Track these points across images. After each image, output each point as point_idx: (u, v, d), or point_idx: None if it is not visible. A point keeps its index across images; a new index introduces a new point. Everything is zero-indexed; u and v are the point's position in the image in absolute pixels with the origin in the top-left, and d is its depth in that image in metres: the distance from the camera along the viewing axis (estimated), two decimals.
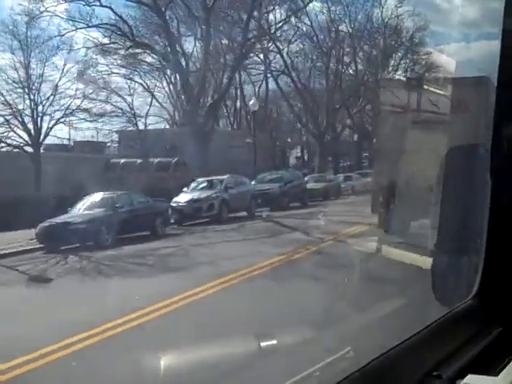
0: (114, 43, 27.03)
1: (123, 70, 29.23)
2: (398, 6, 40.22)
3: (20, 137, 25.29)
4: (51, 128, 25.75)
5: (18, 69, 25.77)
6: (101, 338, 7.16)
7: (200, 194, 21.59)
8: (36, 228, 15.58)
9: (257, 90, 42.03)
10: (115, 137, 30.70)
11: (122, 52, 27.84)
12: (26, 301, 9.40)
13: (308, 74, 40.41)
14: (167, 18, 25.08)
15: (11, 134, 25.08)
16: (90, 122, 27.98)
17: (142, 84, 31.48)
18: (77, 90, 26.60)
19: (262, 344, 2.47)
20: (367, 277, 9.66)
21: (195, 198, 21.06)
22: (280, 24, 31.45)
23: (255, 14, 27.13)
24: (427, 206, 5.48)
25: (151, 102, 29.54)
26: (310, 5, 33.88)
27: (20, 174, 23.55)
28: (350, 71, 44.00)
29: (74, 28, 26.15)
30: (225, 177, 22.82)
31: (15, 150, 25.40)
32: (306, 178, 31.33)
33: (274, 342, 2.52)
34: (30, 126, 25.01)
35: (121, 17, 25.61)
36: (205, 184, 22.94)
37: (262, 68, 37.61)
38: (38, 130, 25.10)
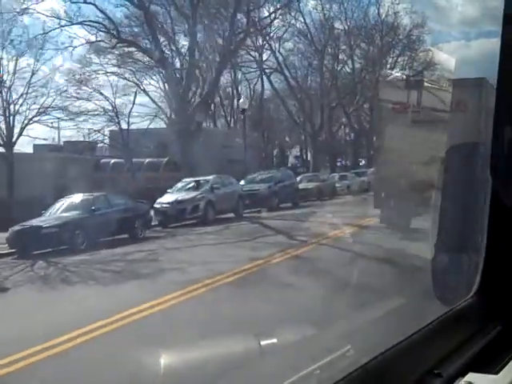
0: (99, 41, 26.42)
1: (115, 69, 28.68)
2: (394, 2, 39.51)
3: None
4: (24, 128, 24.78)
5: None
6: (40, 358, 6.54)
7: (184, 194, 20.94)
8: (7, 232, 14.96)
9: (252, 88, 41.73)
10: (98, 136, 29.78)
11: (116, 51, 27.35)
12: None
13: (302, 71, 39.76)
14: (151, 13, 24.40)
15: None
16: (67, 120, 26.79)
17: (136, 83, 31.28)
18: (51, 88, 25.61)
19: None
20: (343, 283, 9.14)
21: (179, 199, 20.41)
22: (270, 19, 30.79)
23: (244, 9, 26.39)
24: (428, 202, 5.52)
25: (134, 101, 28.83)
26: (304, 1, 33.16)
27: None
28: (347, 69, 43.47)
29: (58, 26, 25.43)
30: (211, 177, 22.17)
31: None
32: (298, 178, 30.74)
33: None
34: (2, 125, 24.13)
35: (105, 13, 25.06)
36: (190, 184, 22.26)
37: (254, 66, 36.93)
38: (10, 128, 24.30)
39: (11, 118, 24.50)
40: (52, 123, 27.29)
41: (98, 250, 14.25)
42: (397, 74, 39.59)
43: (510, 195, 1.94)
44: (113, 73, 29.54)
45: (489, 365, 1.72)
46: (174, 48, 26.73)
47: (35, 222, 15.39)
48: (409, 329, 1.72)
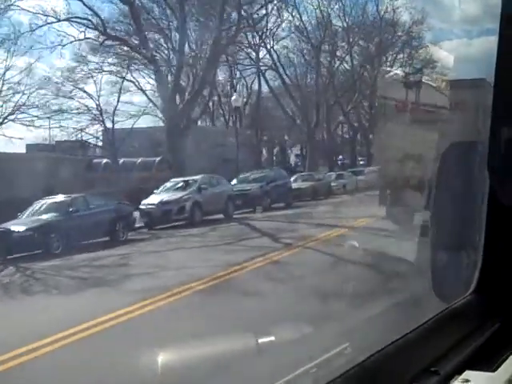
0: (87, 38, 25.84)
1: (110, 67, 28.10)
2: None
3: None
4: None
5: None
6: None
7: (170, 195, 20.28)
8: None
9: (249, 86, 41.15)
10: (82, 135, 29.14)
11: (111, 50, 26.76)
12: None
13: (298, 69, 39.11)
14: (137, 8, 23.77)
15: None
16: (44, 119, 26.10)
17: (133, 82, 30.77)
18: (26, 85, 24.96)
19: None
20: (315, 292, 8.56)
21: (164, 200, 19.77)
22: (263, 14, 30.11)
23: (234, 3, 25.71)
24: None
25: (118, 99, 28.22)
26: None
27: None
28: (346, 66, 42.85)
29: (45, 23, 24.84)
30: (198, 177, 21.50)
31: None
32: (293, 177, 30.09)
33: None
34: None
35: (92, 10, 24.45)
36: (178, 184, 21.60)
37: (250, 63, 36.29)
38: None
39: None
40: (30, 121, 26.04)
41: (73, 255, 13.65)
42: (396, 71, 39.03)
43: (507, 193, 1.91)
44: (109, 71, 29.35)
45: (486, 362, 1.71)
46: (163, 44, 26.23)
47: (8, 225, 14.77)
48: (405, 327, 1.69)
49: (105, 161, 31.05)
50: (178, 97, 26.74)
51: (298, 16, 36.39)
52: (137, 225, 19.58)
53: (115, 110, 26.90)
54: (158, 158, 28.78)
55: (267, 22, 35.31)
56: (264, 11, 30.48)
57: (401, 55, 43.96)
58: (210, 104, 40.31)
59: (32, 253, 13.99)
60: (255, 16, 29.90)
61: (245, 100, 42.00)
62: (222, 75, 39.77)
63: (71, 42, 26.12)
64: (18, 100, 24.78)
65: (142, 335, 6.82)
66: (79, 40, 25.97)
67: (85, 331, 7.27)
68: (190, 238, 16.03)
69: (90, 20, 24.49)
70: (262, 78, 38.47)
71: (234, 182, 25.22)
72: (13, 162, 24.91)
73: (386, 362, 1.51)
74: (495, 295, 1.99)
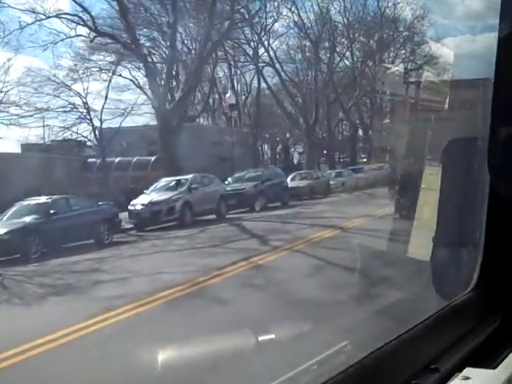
0: (79, 36, 25.33)
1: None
2: None
3: None
4: None
5: None
6: None
7: (160, 195, 19.67)
8: None
9: (249, 83, 40.59)
10: (69, 134, 28.57)
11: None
12: None
13: (295, 65, 38.49)
14: (124, 3, 23.15)
15: None
16: (26, 117, 25.50)
17: (132, 80, 30.30)
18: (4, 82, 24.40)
19: None
20: (292, 300, 7.99)
21: (153, 201, 19.16)
22: (259, 8, 29.48)
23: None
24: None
25: (106, 96, 27.66)
26: None
27: None
28: (347, 62, 42.25)
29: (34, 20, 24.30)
30: (189, 176, 20.88)
31: None
32: (291, 175, 29.50)
33: None
34: None
35: (81, 5, 23.87)
36: (168, 184, 20.99)
37: (248, 60, 35.68)
38: None
39: None
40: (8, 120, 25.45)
41: (50, 260, 13.12)
42: (396, 68, 38.42)
43: (507, 190, 1.90)
44: (107, 70, 28.87)
45: (487, 359, 1.71)
46: (155, 40, 25.64)
47: None
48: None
49: (100, 160, 30.67)
50: (175, 94, 26.30)
51: (296, 11, 35.85)
52: (127, 226, 19.10)
53: (103, 107, 26.20)
54: (153, 157, 28.31)
55: (266, 19, 34.85)
56: (258, 5, 29.79)
57: (402, 51, 43.52)
58: (211, 102, 39.95)
59: (9, 257, 13.40)
60: (251, 11, 29.19)
61: (244, 97, 41.57)
62: (221, 73, 39.38)
63: (62, 40, 25.61)
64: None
65: (90, 355, 6.24)
66: (71, 37, 25.43)
67: (32, 350, 6.67)
68: (176, 241, 15.42)
69: (80, 17, 23.95)
70: (261, 75, 37.94)
71: (230, 180, 24.66)
72: (3, 162, 24.49)
73: (386, 359, 1.50)
74: (495, 292, 1.99)
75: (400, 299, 5.44)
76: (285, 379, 1.67)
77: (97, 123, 28.11)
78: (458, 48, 40.33)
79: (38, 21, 24.27)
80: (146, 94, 28.72)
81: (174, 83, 27.23)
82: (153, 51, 27.49)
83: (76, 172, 28.53)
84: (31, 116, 25.54)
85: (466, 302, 1.96)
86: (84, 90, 26.82)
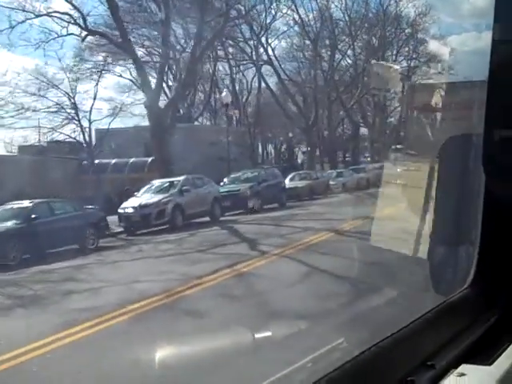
0: (70, 34, 24.74)
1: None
2: None
3: None
4: None
5: None
6: None
7: (150, 198, 19.07)
8: None
9: (250, 83, 40.07)
10: (57, 135, 28.05)
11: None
12: None
13: (294, 63, 37.87)
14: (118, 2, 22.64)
15: None
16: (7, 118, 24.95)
17: (132, 80, 29.89)
18: None
19: None
20: (269, 313, 7.40)
21: (143, 204, 18.57)
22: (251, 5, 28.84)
23: None
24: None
25: (95, 96, 27.13)
26: None
27: None
28: (348, 60, 41.63)
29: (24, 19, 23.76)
30: (181, 178, 20.27)
31: None
32: (290, 176, 28.88)
33: None
34: None
35: (72, 3, 23.31)
36: (160, 186, 20.39)
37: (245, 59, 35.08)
38: None
39: None
40: None
41: (29, 267, 12.56)
42: (396, 66, 37.72)
43: (502, 188, 1.94)
44: (107, 70, 28.41)
45: (482, 356, 1.71)
46: (147, 39, 25.10)
47: None
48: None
49: (97, 162, 30.19)
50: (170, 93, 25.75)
51: (295, 9, 35.24)
52: (117, 230, 18.55)
53: (92, 107, 25.65)
54: (150, 159, 27.77)
55: (266, 17, 34.30)
56: (253, 1, 29.15)
57: (405, 49, 42.93)
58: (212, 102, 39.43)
59: None
60: (246, 7, 28.58)
61: (245, 97, 41.04)
62: (223, 72, 38.86)
63: (54, 39, 25.06)
64: None
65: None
66: (62, 36, 24.88)
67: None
68: (163, 246, 14.82)
69: (70, 15, 23.40)
70: (260, 73, 37.35)
71: (225, 181, 24.06)
72: None
73: (382, 356, 1.50)
74: (491, 289, 2.01)
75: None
76: (280, 376, 1.62)
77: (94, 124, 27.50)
78: (462, 46, 39.70)
79: (29, 19, 23.63)
80: (144, 92, 28.23)
81: (170, 83, 26.62)
82: (144, 49, 26.94)
83: (71, 174, 28.06)
84: (12, 117, 24.61)
85: (463, 299, 1.97)
86: (72, 89, 26.17)
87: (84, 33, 24.23)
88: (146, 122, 26.69)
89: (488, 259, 1.99)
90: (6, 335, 7.40)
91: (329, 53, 39.12)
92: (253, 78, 39.31)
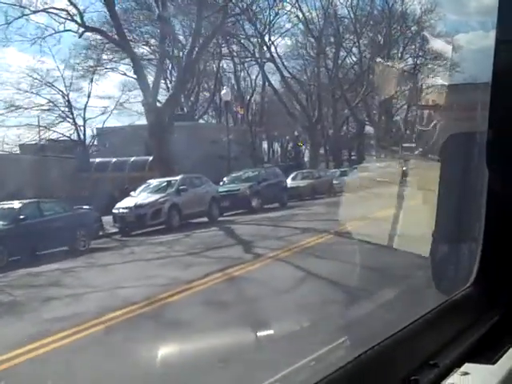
0: (67, 31, 24.36)
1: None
2: None
3: None
4: None
5: None
6: None
7: (146, 198, 18.59)
8: None
9: (254, 81, 39.68)
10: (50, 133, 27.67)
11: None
12: None
13: (297, 61, 37.37)
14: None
15: None
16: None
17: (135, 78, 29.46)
18: None
19: None
20: (261, 322, 6.92)
21: (138, 204, 18.09)
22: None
23: None
24: None
25: (89, 94, 26.75)
26: None
27: None
28: (353, 58, 41.14)
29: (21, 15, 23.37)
30: (178, 177, 19.78)
31: None
32: (292, 175, 28.37)
33: None
34: None
35: (70, 1, 22.87)
36: (157, 186, 19.92)
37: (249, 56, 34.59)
38: None
39: None
40: None
41: (14, 270, 12.13)
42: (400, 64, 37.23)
43: (506, 185, 1.91)
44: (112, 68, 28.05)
45: (486, 355, 1.70)
46: (145, 34, 24.67)
47: None
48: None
49: (97, 160, 29.87)
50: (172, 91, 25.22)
51: (297, 6, 34.75)
52: (112, 230, 18.12)
53: (86, 105, 25.24)
54: (151, 157, 27.37)
55: (269, 15, 33.85)
56: None
57: (412, 46, 42.41)
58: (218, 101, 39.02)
59: None
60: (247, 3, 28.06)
61: (249, 95, 40.64)
62: (228, 71, 38.48)
63: (51, 35, 24.68)
64: None
65: None
66: (59, 32, 24.50)
67: None
68: (156, 248, 14.34)
69: (67, 11, 22.98)
70: (266, 72, 36.91)
71: (224, 181, 23.58)
72: None
73: (385, 355, 1.48)
74: (494, 287, 1.98)
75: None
76: (282, 376, 1.62)
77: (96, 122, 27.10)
78: (469, 44, 39.07)
79: (26, 15, 23.22)
80: (143, 91, 27.75)
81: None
82: (148, 47, 26.53)
83: (70, 173, 27.72)
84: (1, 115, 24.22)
85: (465, 298, 1.96)
86: (66, 87, 25.74)
87: (81, 29, 23.78)
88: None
89: (491, 257, 1.99)
90: None
91: (333, 50, 38.62)
92: (257, 76, 38.95)
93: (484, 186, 1.98)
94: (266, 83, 38.49)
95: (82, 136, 25.91)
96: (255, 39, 34.32)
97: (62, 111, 25.30)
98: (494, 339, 1.80)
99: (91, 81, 26.68)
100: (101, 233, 16.91)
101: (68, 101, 25.38)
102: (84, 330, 7.34)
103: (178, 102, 25.10)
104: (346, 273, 9.40)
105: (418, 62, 42.37)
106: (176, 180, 19.86)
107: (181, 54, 26.66)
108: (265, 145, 43.21)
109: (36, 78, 25.68)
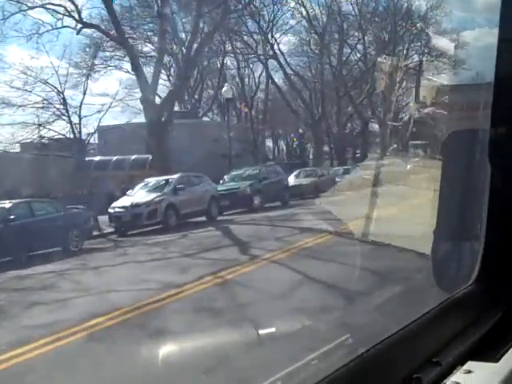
0: (65, 27, 23.98)
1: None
2: None
3: None
4: None
5: None
6: None
7: (142, 197, 18.18)
8: None
9: (258, 78, 39.30)
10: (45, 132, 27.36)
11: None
12: None
13: (300, 58, 36.93)
14: None
15: None
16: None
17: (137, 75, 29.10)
18: None
19: None
20: (250, 333, 6.45)
21: (134, 203, 17.68)
22: None
23: None
24: None
25: (85, 92, 26.42)
26: None
27: None
28: (358, 55, 40.66)
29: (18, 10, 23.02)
30: (175, 176, 19.36)
31: None
32: (295, 173, 27.93)
33: None
34: None
35: None
36: (154, 185, 19.50)
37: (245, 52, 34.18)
38: None
39: None
40: None
41: (2, 272, 11.73)
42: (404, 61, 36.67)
43: (508, 183, 1.92)
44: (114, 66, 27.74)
45: (489, 353, 1.70)
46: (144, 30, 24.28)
47: None
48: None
49: (97, 159, 29.59)
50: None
51: (301, 2, 34.31)
52: (108, 230, 17.74)
53: (82, 103, 24.91)
54: (151, 156, 27.02)
55: (273, 11, 33.45)
56: None
57: (418, 43, 41.90)
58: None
59: None
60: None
61: (252, 93, 40.27)
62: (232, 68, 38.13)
63: (48, 31, 24.34)
64: None
65: None
66: (57, 28, 24.13)
67: None
68: (150, 249, 13.97)
69: (65, 7, 22.61)
70: (265, 68, 36.46)
71: (225, 179, 23.16)
72: None
73: (388, 353, 1.48)
74: (497, 285, 1.98)
75: None
76: (284, 374, 1.61)
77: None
78: (475, 41, 38.58)
79: (23, 11, 22.86)
80: (142, 90, 27.40)
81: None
82: (141, 42, 26.14)
83: (70, 171, 27.46)
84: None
85: (468, 295, 1.94)
86: (61, 84, 25.38)
87: (79, 26, 23.40)
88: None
89: (493, 255, 1.98)
90: None
91: (337, 47, 38.17)
92: (260, 74, 38.57)
93: (486, 183, 1.98)
94: (270, 81, 38.11)
95: (77, 134, 25.39)
96: (258, 36, 33.91)
97: (57, 109, 24.85)
98: (497, 337, 1.79)
99: (87, 78, 26.22)
100: (97, 233, 16.52)
101: (63, 98, 24.93)
102: (65, 338, 6.96)
103: (178, 99, 24.61)
104: (346, 272, 9.02)
105: (424, 58, 41.85)
106: (174, 179, 19.45)
107: (181, 50, 26.15)
108: (270, 143, 42.80)
109: (30, 75, 25.19)
